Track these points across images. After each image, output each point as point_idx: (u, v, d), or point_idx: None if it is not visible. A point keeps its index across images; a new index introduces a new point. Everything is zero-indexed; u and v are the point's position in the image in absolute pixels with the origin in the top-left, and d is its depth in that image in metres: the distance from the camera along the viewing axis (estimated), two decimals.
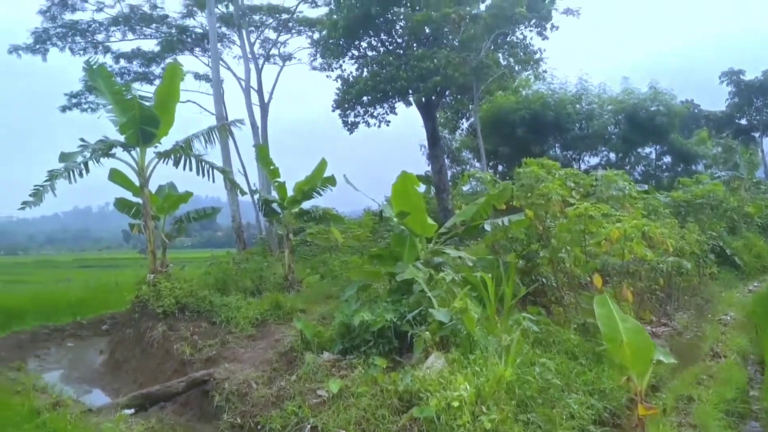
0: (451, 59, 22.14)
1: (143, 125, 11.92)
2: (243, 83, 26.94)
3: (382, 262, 10.28)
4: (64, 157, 11.39)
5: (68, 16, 26.95)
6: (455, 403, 5.90)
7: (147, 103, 12.25)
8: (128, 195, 13.91)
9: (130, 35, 28.41)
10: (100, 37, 28.02)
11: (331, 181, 14.34)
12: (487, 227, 10.65)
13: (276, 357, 8.54)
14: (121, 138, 12.11)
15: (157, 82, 26.43)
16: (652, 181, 33.57)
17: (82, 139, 11.75)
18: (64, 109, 28.10)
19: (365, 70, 25.29)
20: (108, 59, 27.85)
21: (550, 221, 10.72)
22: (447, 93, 27.21)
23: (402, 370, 6.92)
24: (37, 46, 26.54)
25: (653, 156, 38.13)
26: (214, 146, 13.56)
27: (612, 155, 36.65)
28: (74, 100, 27.90)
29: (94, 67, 12.58)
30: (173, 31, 28.56)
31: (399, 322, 7.88)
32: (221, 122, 19.22)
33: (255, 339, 10.12)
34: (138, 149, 12.45)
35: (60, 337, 13.36)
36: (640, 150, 36.88)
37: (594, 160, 36.84)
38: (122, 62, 28.63)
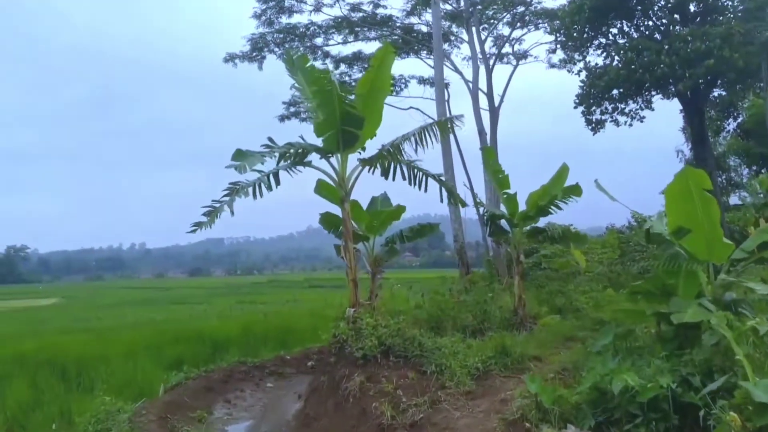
0: (733, 33, 19.02)
1: (344, 125, 10.31)
2: (470, 85, 25.70)
3: (648, 297, 7.89)
4: (239, 154, 9.81)
5: (284, 20, 27.36)
6: None
7: (351, 96, 10.63)
8: (338, 211, 12.58)
9: (350, 39, 28.34)
10: (318, 41, 28.27)
11: (576, 191, 12.20)
12: None
13: (501, 427, 6.81)
14: (318, 141, 10.73)
15: None
16: None
17: (269, 139, 10.50)
18: (282, 118, 28.68)
19: (615, 58, 23.07)
20: (328, 65, 27.88)
21: None
22: (720, 81, 23.79)
23: None
24: (254, 54, 27.10)
25: None
26: (428, 149, 11.63)
27: None
28: (292, 109, 28.32)
29: (294, 57, 11.28)
30: (396, 31, 28.02)
31: (680, 389, 5.68)
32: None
33: (474, 397, 8.24)
34: (338, 155, 10.96)
35: (259, 375, 12.62)
36: None
37: None
38: (342, 67, 28.66)
